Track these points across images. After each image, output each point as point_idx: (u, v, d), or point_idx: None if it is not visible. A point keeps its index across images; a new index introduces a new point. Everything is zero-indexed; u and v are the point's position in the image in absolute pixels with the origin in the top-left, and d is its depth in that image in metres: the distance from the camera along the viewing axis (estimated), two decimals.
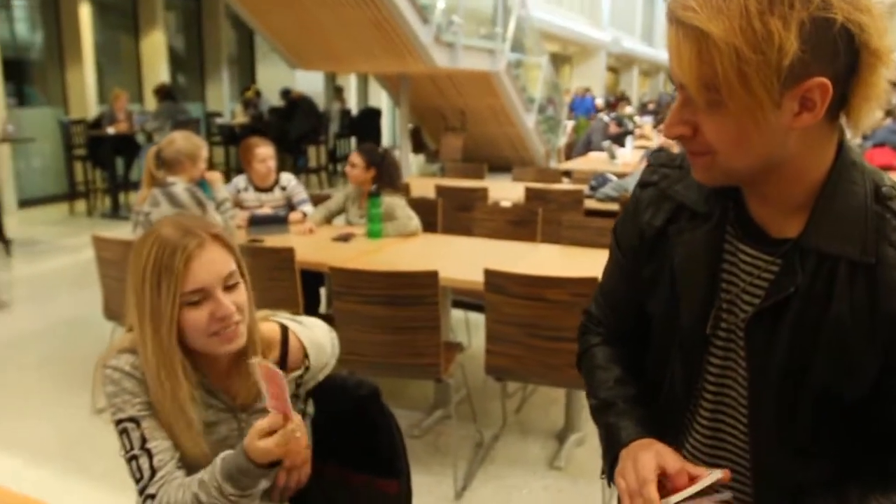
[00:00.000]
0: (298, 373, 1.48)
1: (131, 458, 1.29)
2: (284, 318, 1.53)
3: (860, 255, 0.89)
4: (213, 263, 1.30)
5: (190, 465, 1.35)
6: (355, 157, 4.01)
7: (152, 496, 1.26)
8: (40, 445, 3.32)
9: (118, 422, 1.31)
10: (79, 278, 5.91)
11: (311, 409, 1.58)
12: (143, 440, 1.29)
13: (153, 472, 1.28)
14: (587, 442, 3.33)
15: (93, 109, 9.69)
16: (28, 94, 9.81)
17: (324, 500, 1.58)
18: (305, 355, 1.49)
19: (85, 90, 9.85)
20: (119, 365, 1.33)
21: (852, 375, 0.91)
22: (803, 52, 0.79)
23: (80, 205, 9.07)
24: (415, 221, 3.91)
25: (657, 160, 1.13)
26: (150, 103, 10.48)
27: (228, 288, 1.32)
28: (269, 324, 1.50)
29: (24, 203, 9.16)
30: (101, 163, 8.88)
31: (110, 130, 8.60)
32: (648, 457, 1.00)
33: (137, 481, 1.28)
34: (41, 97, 9.91)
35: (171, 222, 1.34)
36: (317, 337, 1.54)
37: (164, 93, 8.99)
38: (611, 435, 1.12)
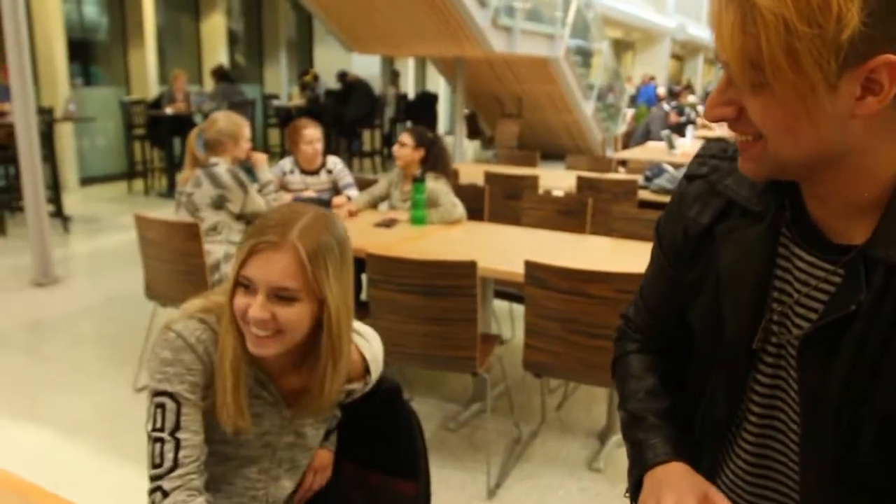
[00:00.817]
0: (355, 386, 1.44)
1: (157, 440, 1.22)
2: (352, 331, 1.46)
3: None
4: (270, 267, 1.22)
5: (214, 451, 1.30)
6: (405, 137, 3.95)
7: (165, 493, 1.20)
8: (78, 420, 3.35)
9: (158, 392, 1.23)
10: (133, 256, 5.95)
11: (338, 411, 1.53)
12: (177, 426, 1.22)
13: (175, 465, 1.21)
14: None
15: (153, 90, 9.85)
16: (93, 74, 10.04)
17: (339, 498, 1.51)
18: (367, 370, 1.45)
19: (146, 71, 10.02)
20: (184, 332, 1.26)
21: None
22: (867, 26, 0.66)
23: (139, 184, 9.24)
24: (459, 209, 3.82)
25: (707, 150, 1.01)
26: (209, 84, 10.61)
27: (280, 298, 1.24)
28: None
29: (86, 181, 9.38)
30: (159, 142, 9.02)
31: (168, 111, 8.71)
32: (668, 499, 0.89)
33: (154, 466, 1.21)
34: (105, 77, 10.12)
35: (288, 210, 1.29)
36: (376, 352, 1.50)
37: (220, 74, 9.08)
38: (637, 453, 1.01)
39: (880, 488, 0.84)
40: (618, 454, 3.13)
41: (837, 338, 0.80)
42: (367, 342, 1.48)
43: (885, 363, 0.78)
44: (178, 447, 1.21)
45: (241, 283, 1.23)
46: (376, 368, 1.47)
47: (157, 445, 1.22)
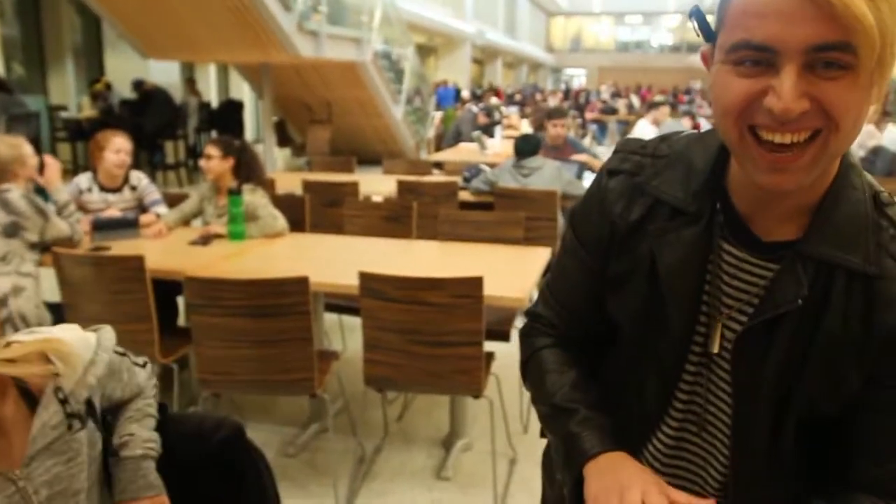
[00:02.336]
0: (52, 386, 1.16)
1: None
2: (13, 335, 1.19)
3: (863, 264, 0.81)
4: None
5: None
6: (210, 148, 3.67)
7: None
8: None
9: None
10: None
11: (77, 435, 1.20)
12: None
13: None
14: (474, 447, 3.17)
15: None
16: None
17: None
18: (48, 361, 1.16)
19: None
20: None
21: (837, 390, 0.85)
22: None
23: None
24: (281, 221, 3.62)
25: (626, 146, 1.00)
26: None
27: None
28: None
29: None
30: None
31: None
32: (634, 496, 0.86)
33: None
34: None
35: None
36: (56, 334, 1.21)
37: None
38: (572, 446, 0.98)
39: (797, 466, 0.91)
40: (464, 460, 3.09)
41: (772, 330, 0.85)
42: (34, 332, 1.22)
43: (810, 351, 0.84)
44: None
45: None
46: (63, 352, 1.18)
47: None
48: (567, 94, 22.69)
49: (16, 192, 3.02)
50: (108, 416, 1.31)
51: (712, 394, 0.94)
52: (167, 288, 3.16)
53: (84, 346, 1.23)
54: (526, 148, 4.83)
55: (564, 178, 4.73)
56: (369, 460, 3.07)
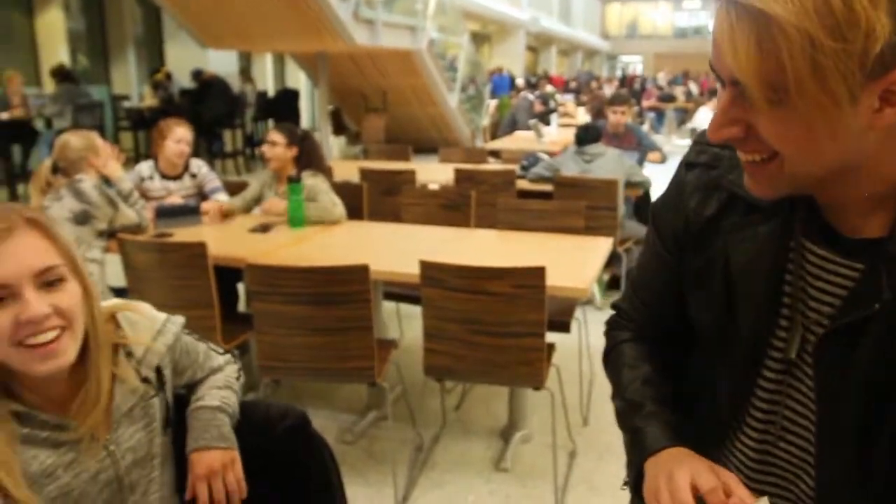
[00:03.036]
0: (124, 349, 1.20)
1: None
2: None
3: None
4: (22, 254, 1.02)
5: None
6: (275, 135, 3.66)
7: None
8: None
9: None
10: None
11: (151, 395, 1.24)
12: None
13: None
14: (534, 439, 3.13)
15: None
16: None
17: None
18: (117, 325, 1.21)
19: None
20: None
21: None
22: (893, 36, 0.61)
23: None
24: (339, 208, 3.62)
25: (704, 137, 0.95)
26: (49, 86, 9.78)
27: (47, 285, 1.04)
28: None
29: None
30: None
31: (4, 116, 7.93)
32: (683, 476, 0.84)
33: None
34: None
35: None
36: (127, 301, 1.28)
37: (62, 74, 8.38)
38: (636, 441, 0.97)
39: (890, 482, 0.82)
40: (523, 452, 3.05)
41: (857, 335, 0.77)
42: (110, 301, 1.27)
43: None
44: None
45: None
46: (129, 317, 1.24)
47: None
48: (623, 81, 22.32)
49: (88, 182, 3.10)
50: (183, 392, 1.33)
51: (795, 401, 0.88)
52: (228, 275, 3.19)
53: (151, 317, 1.27)
54: (587, 137, 4.75)
55: (626, 165, 4.63)
56: (427, 449, 3.05)
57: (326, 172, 3.82)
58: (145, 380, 1.21)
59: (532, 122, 7.87)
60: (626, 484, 1.01)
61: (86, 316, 1.10)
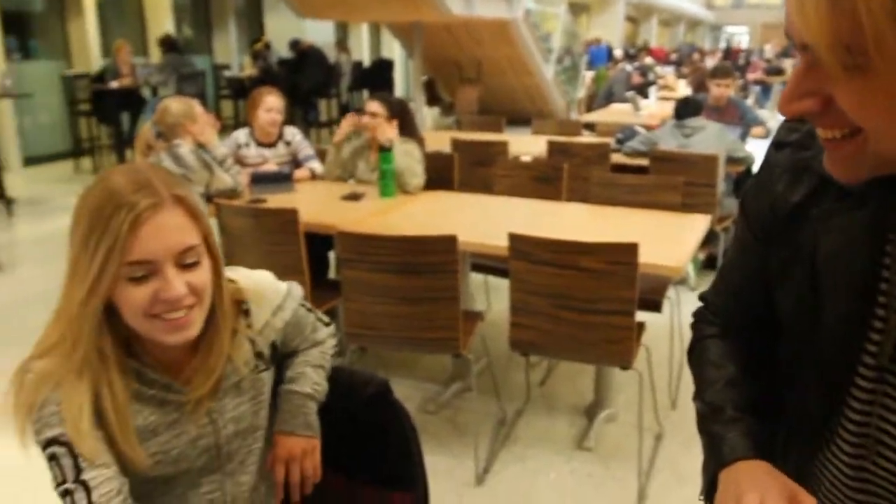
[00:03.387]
0: (244, 322, 1.21)
1: (65, 493, 1.00)
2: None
3: None
4: (167, 232, 1.02)
5: (152, 478, 1.09)
6: (375, 107, 3.62)
7: None
8: None
9: (44, 444, 1.02)
10: None
11: (264, 377, 1.26)
12: (78, 469, 1.00)
13: None
14: (619, 419, 3.06)
15: (96, 63, 9.37)
16: (31, 47, 9.50)
17: None
18: (242, 299, 1.22)
19: (87, 43, 9.51)
20: (46, 368, 1.05)
21: None
22: None
23: (86, 162, 8.82)
24: (416, 180, 3.58)
25: None
26: (155, 55, 10.15)
27: (186, 266, 1.04)
28: None
29: (30, 161, 8.91)
30: (106, 118, 8.60)
31: (114, 84, 8.29)
32: (752, 500, 0.77)
33: None
34: (44, 50, 9.59)
35: (126, 170, 1.05)
36: (250, 274, 1.27)
37: (168, 44, 8.66)
38: (712, 448, 0.90)
39: None
40: (607, 431, 2.99)
41: None
42: (236, 270, 1.27)
43: None
44: (88, 492, 1.00)
45: (131, 277, 1.01)
46: (255, 291, 1.24)
47: (67, 499, 1.01)
48: (727, 53, 21.40)
49: (185, 147, 3.20)
50: (283, 361, 1.34)
51: (891, 411, 0.78)
52: (319, 242, 3.23)
53: (274, 291, 1.28)
54: (687, 110, 4.57)
55: (727, 140, 4.43)
56: (510, 423, 3.04)
57: (421, 141, 3.81)
58: (258, 354, 1.22)
59: (630, 94, 7.65)
60: (701, 495, 0.95)
61: (213, 290, 1.11)
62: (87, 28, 9.49)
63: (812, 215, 0.80)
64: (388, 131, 3.55)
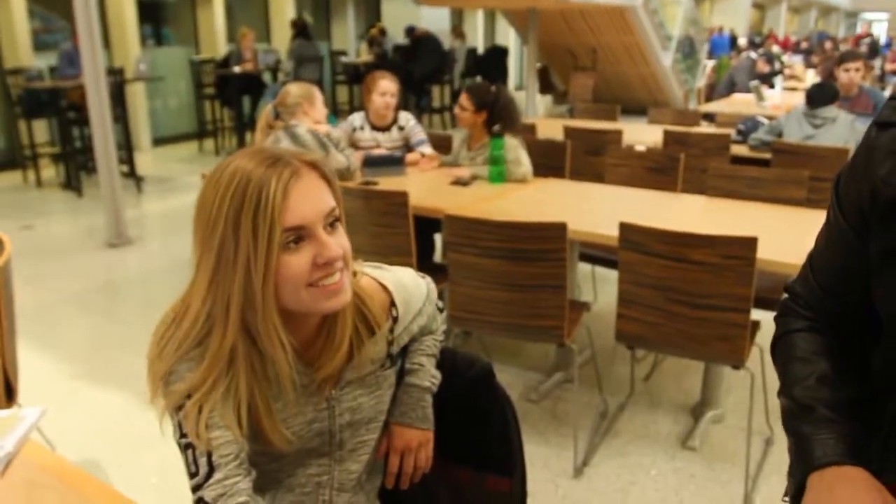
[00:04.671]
0: (387, 326, 1.21)
1: (186, 446, 1.04)
2: (360, 264, 1.24)
3: None
4: (313, 194, 1.03)
5: (264, 452, 1.12)
6: (464, 99, 3.66)
7: None
8: None
9: (174, 396, 1.06)
10: None
11: (390, 373, 1.27)
12: (204, 426, 1.04)
13: (211, 469, 1.03)
14: (727, 420, 2.95)
15: (222, 49, 9.79)
16: (164, 34, 10.04)
17: (424, 497, 1.33)
18: (392, 304, 1.22)
19: (215, 30, 9.96)
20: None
21: None
22: None
23: (209, 143, 9.24)
24: (523, 168, 3.53)
25: None
26: (277, 41, 10.51)
27: (330, 227, 1.05)
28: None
29: (158, 141, 9.43)
30: (229, 101, 8.98)
31: (236, 69, 8.63)
32: None
33: (191, 476, 1.04)
34: (175, 37, 10.11)
35: (248, 153, 1.05)
36: (401, 278, 1.26)
37: (300, 28, 9.00)
38: (802, 450, 0.84)
39: None
40: (713, 432, 2.89)
41: None
42: (386, 271, 1.26)
43: None
44: (210, 450, 1.03)
45: (286, 246, 1.01)
46: (404, 298, 1.23)
47: (189, 452, 1.04)
48: (874, 47, 20.07)
49: (302, 127, 3.31)
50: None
51: None
52: (427, 225, 3.26)
53: (418, 294, 1.28)
54: (820, 97, 4.29)
55: (859, 132, 4.16)
56: (612, 417, 2.98)
57: (520, 130, 3.77)
58: (390, 355, 1.23)
59: (753, 83, 7.30)
60: (785, 496, 0.89)
61: None
62: (215, 15, 9.93)
63: None
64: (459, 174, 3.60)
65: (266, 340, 1.04)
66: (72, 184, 7.01)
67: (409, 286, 1.26)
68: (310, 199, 1.02)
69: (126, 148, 7.05)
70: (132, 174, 7.09)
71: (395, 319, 1.22)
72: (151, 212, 6.52)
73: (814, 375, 0.89)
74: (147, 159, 8.52)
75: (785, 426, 0.92)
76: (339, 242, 1.05)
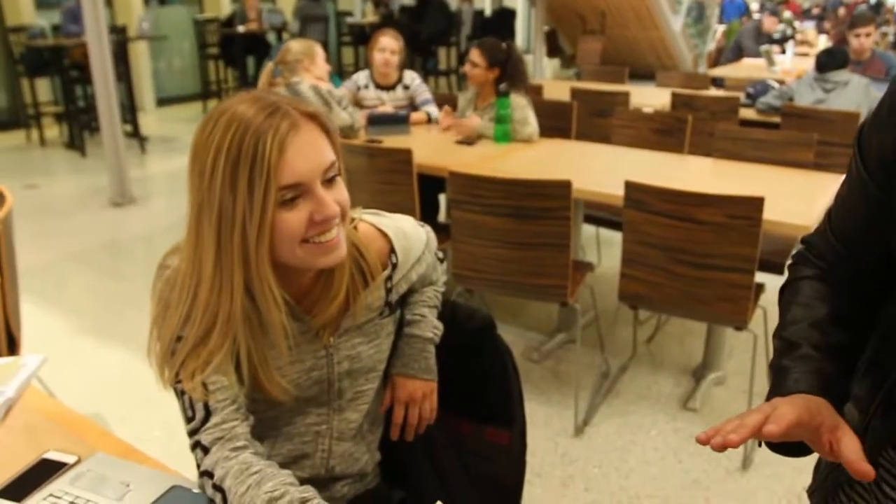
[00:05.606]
0: (386, 273, 1.19)
1: (182, 392, 1.04)
2: (359, 211, 1.23)
3: None
4: (311, 149, 0.99)
5: (262, 399, 1.12)
6: (475, 56, 3.58)
7: (205, 449, 1.02)
8: None
9: (170, 341, 1.05)
10: None
11: (389, 322, 1.26)
12: (200, 371, 1.03)
13: (207, 414, 1.03)
14: (728, 382, 2.95)
15: (226, 8, 9.67)
16: None
17: (424, 448, 1.33)
18: (392, 250, 1.20)
19: None
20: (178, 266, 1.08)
21: None
22: None
23: (213, 104, 9.13)
24: (529, 129, 3.50)
25: None
26: (282, 1, 10.37)
27: (328, 182, 1.02)
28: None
29: (162, 101, 9.36)
30: (233, 62, 8.90)
31: (241, 29, 8.54)
32: (791, 411, 0.76)
33: (188, 420, 1.04)
34: None
35: (248, 98, 1.00)
36: (401, 226, 1.24)
37: None
38: (777, 380, 0.86)
39: None
40: (714, 394, 2.89)
41: None
42: (385, 217, 1.24)
43: None
44: (206, 394, 1.03)
45: (282, 202, 0.98)
46: (403, 246, 1.21)
47: (185, 397, 1.03)
48: (877, 7, 19.76)
49: (304, 84, 3.28)
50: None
51: None
52: (431, 184, 3.24)
53: (418, 241, 1.26)
54: (830, 62, 4.23)
55: (872, 97, 4.10)
56: (613, 378, 2.98)
57: (528, 90, 3.72)
58: (388, 303, 1.21)
59: (764, 47, 7.18)
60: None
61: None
62: None
63: None
64: (468, 126, 3.54)
65: (260, 297, 1.02)
66: (75, 143, 6.98)
67: (408, 233, 1.24)
68: (308, 155, 0.99)
69: (129, 108, 7.00)
70: (136, 134, 7.06)
71: (395, 266, 1.20)
72: (155, 172, 6.51)
73: (808, 319, 0.89)
74: (151, 120, 8.47)
75: (769, 364, 0.92)
76: (336, 197, 1.03)
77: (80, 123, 7.03)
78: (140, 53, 8.73)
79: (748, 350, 2.80)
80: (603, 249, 4.08)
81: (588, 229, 3.80)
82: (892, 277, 0.85)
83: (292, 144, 0.97)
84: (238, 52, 8.63)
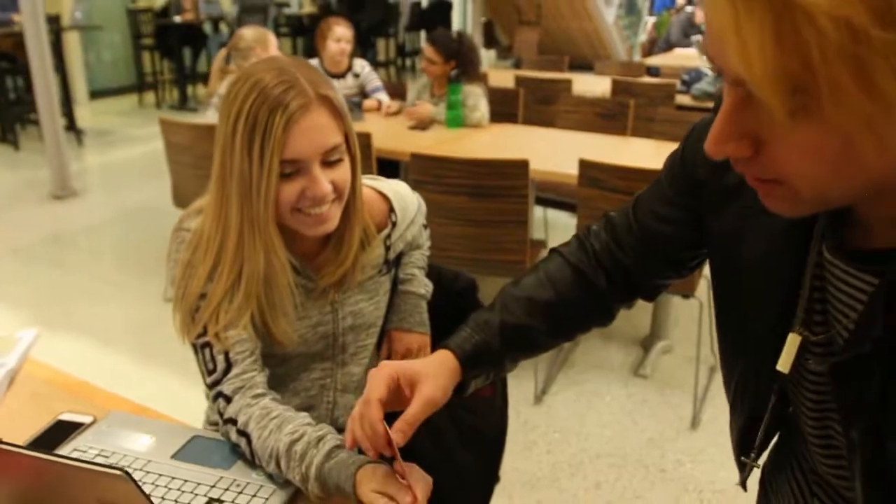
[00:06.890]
0: (386, 231, 1.29)
1: (203, 346, 1.11)
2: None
3: None
4: (316, 132, 1.07)
5: (272, 355, 1.20)
6: (431, 53, 3.66)
7: (227, 398, 1.09)
8: (111, 332, 3.30)
9: (195, 298, 1.12)
10: (148, 168, 5.87)
11: (385, 279, 1.36)
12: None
13: (228, 366, 1.10)
14: (675, 350, 3.13)
15: None
16: None
17: None
18: (391, 209, 1.30)
19: None
20: (198, 228, 1.15)
21: None
22: None
23: (149, 96, 9.01)
24: (478, 114, 3.61)
25: None
26: None
27: (329, 164, 1.10)
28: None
29: (96, 94, 9.14)
30: (169, 53, 8.75)
31: (177, 19, 8.41)
32: (378, 386, 0.94)
33: (209, 372, 1.11)
34: None
35: (274, 66, 1.08)
36: (398, 189, 1.35)
37: None
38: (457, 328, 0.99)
39: None
40: (663, 361, 3.07)
41: (869, 362, 0.62)
42: (382, 181, 1.35)
43: None
44: (226, 347, 1.11)
45: (282, 174, 1.07)
46: (401, 206, 1.33)
47: (206, 350, 1.11)
48: None
49: None
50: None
51: (835, 429, 0.72)
52: (388, 168, 3.32)
53: (412, 202, 1.37)
54: None
55: None
56: (567, 350, 3.13)
57: (481, 77, 3.83)
58: (387, 261, 1.31)
59: (696, 37, 7.47)
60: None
61: (350, 187, 1.17)
62: None
63: (739, 208, 0.75)
64: (423, 114, 3.63)
65: (264, 258, 1.11)
66: (7, 137, 6.79)
67: (404, 195, 1.35)
68: (311, 137, 1.07)
69: (65, 100, 6.84)
70: (72, 127, 6.90)
71: (394, 224, 1.30)
72: (94, 164, 6.38)
73: (526, 297, 0.99)
74: (85, 113, 8.27)
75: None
76: (333, 178, 1.10)
77: (12, 116, 6.84)
78: (72, 44, 8.51)
79: (692, 318, 2.97)
80: (550, 231, 4.22)
81: (537, 211, 3.94)
82: (627, 294, 0.98)
83: (298, 124, 1.05)
84: (174, 42, 8.50)
